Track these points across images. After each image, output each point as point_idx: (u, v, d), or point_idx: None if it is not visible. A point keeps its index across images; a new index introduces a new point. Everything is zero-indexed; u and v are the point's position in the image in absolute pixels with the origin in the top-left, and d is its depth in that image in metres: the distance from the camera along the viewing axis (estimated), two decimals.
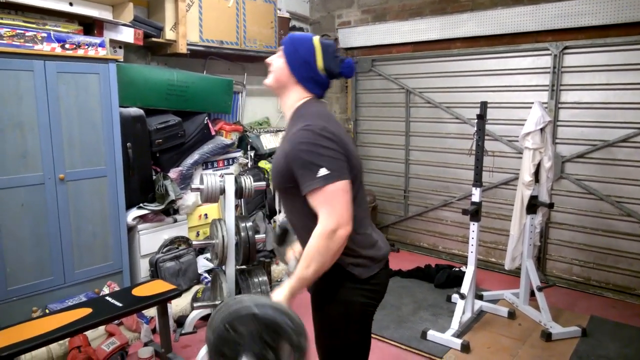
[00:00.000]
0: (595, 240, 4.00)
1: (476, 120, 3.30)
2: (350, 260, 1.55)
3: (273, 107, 5.17)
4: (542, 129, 3.24)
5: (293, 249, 1.84)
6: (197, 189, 2.79)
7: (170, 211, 3.72)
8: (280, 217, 4.49)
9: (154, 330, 3.17)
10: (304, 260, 1.45)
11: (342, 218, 1.41)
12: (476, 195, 3.32)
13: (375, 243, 1.63)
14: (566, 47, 3.91)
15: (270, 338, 1.27)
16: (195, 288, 3.58)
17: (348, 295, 1.57)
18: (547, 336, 3.17)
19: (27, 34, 2.81)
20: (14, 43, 2.76)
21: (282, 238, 1.96)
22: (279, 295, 1.47)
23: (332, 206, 1.41)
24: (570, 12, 3.77)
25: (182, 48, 3.76)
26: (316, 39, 1.62)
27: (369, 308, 1.62)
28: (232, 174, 2.87)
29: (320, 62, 1.59)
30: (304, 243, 1.66)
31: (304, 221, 1.55)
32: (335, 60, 1.62)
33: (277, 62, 1.64)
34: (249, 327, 1.26)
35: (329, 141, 1.45)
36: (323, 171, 1.41)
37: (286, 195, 1.61)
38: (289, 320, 1.29)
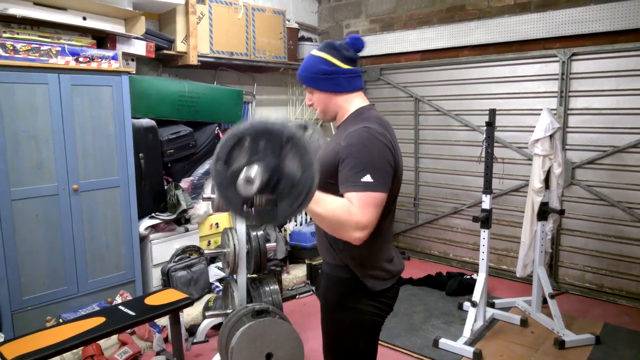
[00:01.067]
0: (608, 247, 3.96)
1: (485, 128, 3.30)
2: (367, 271, 1.56)
3: (282, 116, 5.21)
4: (551, 136, 3.23)
5: None
6: (209, 199, 2.82)
7: (182, 221, 3.75)
8: (291, 226, 4.51)
9: (166, 339, 3.19)
10: (321, 199, 1.37)
11: (369, 222, 1.40)
12: (486, 202, 3.31)
13: (393, 259, 1.64)
14: (574, 54, 3.91)
15: (293, 161, 1.20)
16: (206, 297, 3.60)
17: (359, 304, 1.58)
18: (560, 344, 3.14)
19: (42, 48, 2.87)
20: (29, 57, 2.83)
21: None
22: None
23: (364, 209, 1.40)
24: (577, 19, 3.77)
25: (193, 60, 3.81)
26: (314, 51, 1.63)
27: (378, 319, 1.63)
28: None
29: (335, 60, 1.59)
30: (321, 244, 1.67)
31: None
32: (342, 47, 1.61)
33: (314, 98, 1.65)
34: (273, 141, 1.20)
35: (384, 149, 1.46)
36: (367, 178, 1.41)
37: (324, 191, 1.57)
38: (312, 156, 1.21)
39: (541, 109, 3.35)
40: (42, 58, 2.87)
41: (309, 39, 5.16)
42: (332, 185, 1.52)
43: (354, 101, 1.62)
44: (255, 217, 1.24)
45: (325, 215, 1.38)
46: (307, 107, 5.36)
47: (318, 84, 1.61)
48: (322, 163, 1.55)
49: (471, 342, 3.18)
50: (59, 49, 2.94)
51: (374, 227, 1.43)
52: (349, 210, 1.38)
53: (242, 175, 1.17)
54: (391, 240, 1.67)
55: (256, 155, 1.19)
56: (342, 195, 1.45)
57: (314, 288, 4.11)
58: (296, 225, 4.57)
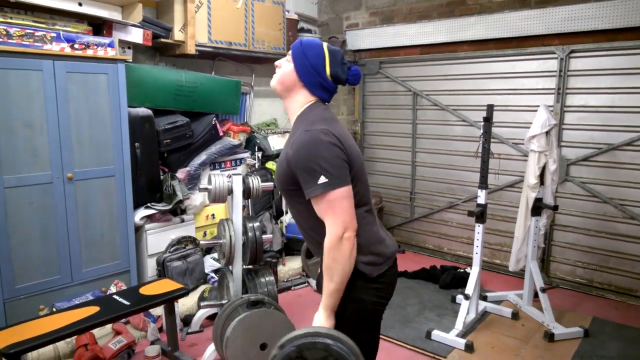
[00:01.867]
0: (599, 243, 4.00)
1: (482, 123, 3.31)
2: (360, 257, 1.56)
3: (281, 108, 5.18)
4: (547, 132, 3.25)
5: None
6: (205, 189, 2.81)
7: (178, 211, 3.74)
8: (288, 218, 4.51)
9: (160, 329, 3.20)
10: (326, 275, 1.49)
11: (346, 222, 1.46)
12: (481, 197, 3.33)
13: (383, 240, 1.65)
14: (573, 51, 3.91)
15: None
16: (202, 287, 3.60)
17: (359, 293, 1.58)
18: (549, 337, 3.18)
19: (36, 33, 2.83)
20: (23, 43, 2.78)
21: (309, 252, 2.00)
22: (320, 319, 1.52)
23: (334, 213, 1.46)
24: (577, 16, 3.77)
25: (191, 49, 3.78)
26: (325, 45, 1.64)
27: (379, 307, 1.64)
28: (239, 174, 2.89)
29: (328, 68, 1.61)
30: (310, 242, 1.70)
31: (310, 222, 1.58)
32: (343, 67, 1.64)
33: (286, 66, 1.65)
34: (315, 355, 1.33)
35: (330, 146, 1.47)
36: (322, 179, 1.44)
37: (289, 197, 1.64)
38: (342, 345, 1.35)
39: (538, 106, 3.36)
40: (36, 44, 2.83)
41: (309, 31, 5.13)
42: (292, 191, 1.56)
43: (308, 102, 1.63)
44: None
45: (339, 273, 1.48)
46: None
47: (299, 64, 1.61)
48: (279, 173, 1.61)
49: (463, 334, 3.22)
50: (54, 35, 2.90)
51: (352, 219, 1.48)
52: (328, 244, 1.46)
53: None
54: (375, 223, 1.67)
55: None
56: (309, 201, 1.50)
57: (309, 281, 4.13)
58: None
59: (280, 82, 1.65)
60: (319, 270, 1.78)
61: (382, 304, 1.65)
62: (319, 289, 1.78)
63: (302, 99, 1.63)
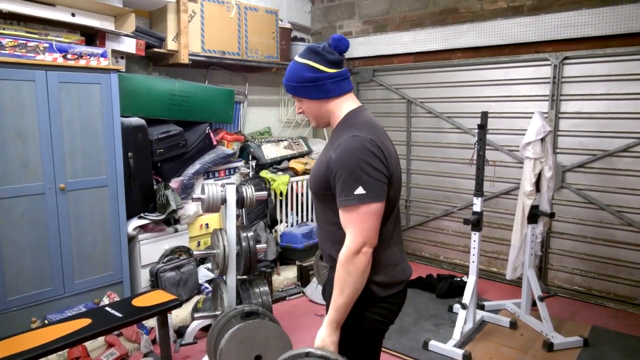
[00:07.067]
0: (597, 250, 3.99)
1: (477, 130, 3.31)
2: (372, 276, 1.51)
3: (274, 117, 5.19)
4: (542, 139, 3.25)
5: None
6: (199, 199, 2.79)
7: (171, 221, 3.72)
8: (282, 227, 4.48)
9: (154, 341, 3.15)
10: (336, 288, 1.43)
11: (367, 237, 1.41)
12: (477, 204, 3.32)
13: (399, 264, 1.61)
14: (566, 58, 3.93)
15: None
16: (195, 298, 3.57)
17: (361, 310, 1.53)
18: (548, 346, 3.15)
19: (29, 44, 2.83)
20: (16, 53, 2.78)
21: None
22: (323, 333, 1.46)
23: (360, 226, 1.41)
24: (570, 23, 3.79)
25: (184, 58, 3.78)
26: (298, 58, 1.59)
27: (379, 326, 1.59)
28: (233, 183, 2.87)
29: (319, 65, 1.55)
30: (324, 249, 1.65)
31: (331, 229, 1.55)
32: (325, 50, 1.57)
33: (303, 106, 1.63)
34: None
35: (374, 157, 1.43)
36: (360, 190, 1.40)
37: (320, 201, 1.59)
38: None
39: (533, 112, 3.36)
40: (29, 54, 2.82)
41: (302, 39, 5.14)
42: (328, 197, 1.52)
43: (344, 105, 1.59)
44: None
45: (351, 287, 1.42)
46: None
47: (305, 92, 1.58)
48: (316, 175, 1.56)
49: (461, 345, 3.19)
50: (47, 45, 2.90)
51: (374, 237, 1.43)
52: (344, 255, 1.41)
53: None
54: (397, 245, 1.62)
55: None
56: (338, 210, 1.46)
57: (304, 290, 4.09)
58: (287, 226, 4.55)
59: (315, 118, 1.65)
60: (327, 275, 1.74)
61: (385, 323, 1.60)
62: (324, 295, 1.74)
63: (337, 109, 1.59)
